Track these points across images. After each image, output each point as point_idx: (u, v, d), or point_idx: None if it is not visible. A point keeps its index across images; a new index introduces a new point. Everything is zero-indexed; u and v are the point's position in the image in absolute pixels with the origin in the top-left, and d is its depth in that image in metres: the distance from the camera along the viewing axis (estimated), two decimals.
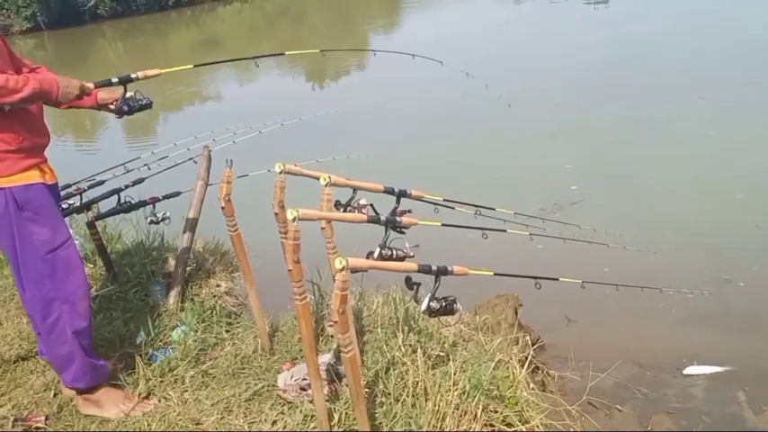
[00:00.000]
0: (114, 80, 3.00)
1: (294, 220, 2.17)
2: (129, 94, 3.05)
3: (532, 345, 3.69)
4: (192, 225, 4.05)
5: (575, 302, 4.72)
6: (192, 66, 3.36)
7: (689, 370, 4.03)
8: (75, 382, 2.99)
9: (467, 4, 24.01)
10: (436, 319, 3.16)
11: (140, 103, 3.08)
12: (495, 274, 2.53)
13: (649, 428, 3.88)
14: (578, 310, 4.92)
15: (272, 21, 30.49)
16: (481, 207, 3.34)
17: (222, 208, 3.05)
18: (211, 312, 3.83)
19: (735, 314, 4.83)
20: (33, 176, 2.75)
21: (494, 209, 3.55)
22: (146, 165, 4.53)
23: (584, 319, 4.93)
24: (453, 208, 3.30)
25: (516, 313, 4.42)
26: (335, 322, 2.08)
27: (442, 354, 3.10)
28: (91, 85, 2.89)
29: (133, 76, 3.01)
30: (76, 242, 3.82)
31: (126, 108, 3.05)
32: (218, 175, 3.27)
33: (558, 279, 2.93)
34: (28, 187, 2.72)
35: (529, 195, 6.72)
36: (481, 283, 2.87)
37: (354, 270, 2.13)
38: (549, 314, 4.86)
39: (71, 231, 3.93)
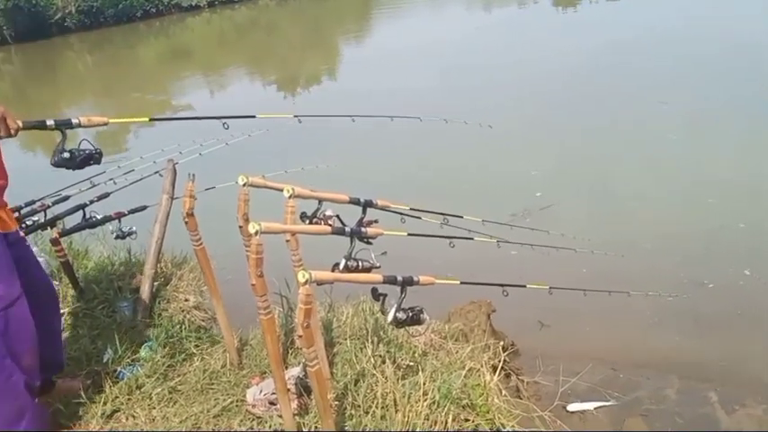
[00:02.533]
0: (50, 123, 2.51)
1: (257, 233, 2.15)
2: (83, 145, 2.63)
3: (506, 350, 3.70)
4: (158, 240, 3.99)
5: (548, 307, 4.73)
6: (147, 119, 2.94)
7: (572, 407, 4.07)
8: None
9: (437, 12, 24.14)
10: (405, 329, 3.15)
11: (85, 153, 2.66)
12: (461, 283, 2.52)
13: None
14: (551, 314, 4.94)
15: (243, 31, 30.31)
16: (448, 215, 3.33)
17: (186, 222, 3.01)
18: (180, 327, 3.78)
19: (707, 316, 4.87)
20: None
21: (461, 217, 3.54)
22: (111, 179, 4.47)
23: (557, 323, 4.95)
24: (420, 218, 3.29)
25: (489, 319, 4.41)
26: (300, 336, 2.06)
27: (411, 364, 3.09)
28: (19, 123, 2.42)
29: (74, 121, 2.57)
30: (41, 259, 3.74)
31: (67, 155, 2.59)
32: (183, 189, 3.22)
33: (525, 286, 2.92)
34: None
35: (498, 203, 6.73)
36: (452, 291, 2.85)
37: (319, 283, 2.11)
38: (523, 319, 4.88)
39: (35, 249, 3.87)
